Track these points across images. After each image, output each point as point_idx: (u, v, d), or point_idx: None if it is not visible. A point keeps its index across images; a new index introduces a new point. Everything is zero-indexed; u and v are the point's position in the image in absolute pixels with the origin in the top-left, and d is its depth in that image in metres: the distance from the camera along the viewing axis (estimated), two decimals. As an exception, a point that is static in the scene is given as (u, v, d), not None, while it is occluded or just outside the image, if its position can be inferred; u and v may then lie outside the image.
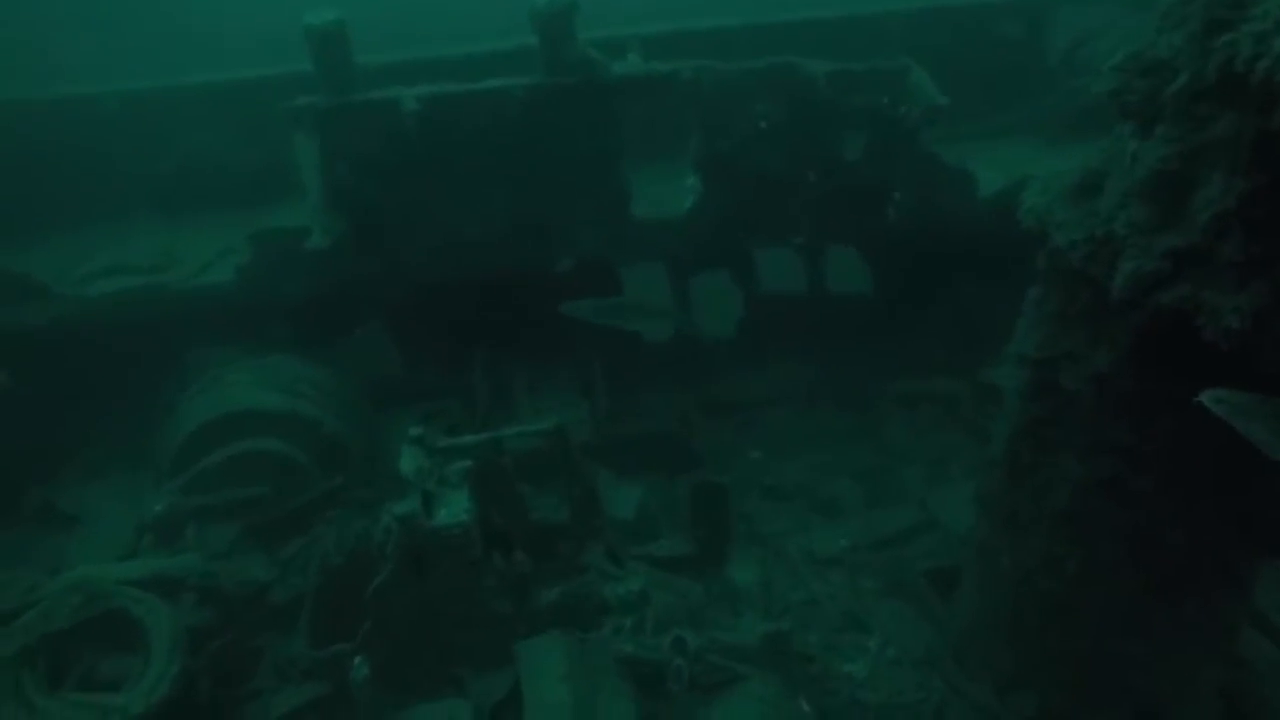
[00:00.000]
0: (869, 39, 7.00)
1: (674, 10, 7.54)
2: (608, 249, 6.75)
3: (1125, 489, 3.62)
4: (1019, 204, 3.66)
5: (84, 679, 4.42)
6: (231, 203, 7.07)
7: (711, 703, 4.50)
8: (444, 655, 4.91)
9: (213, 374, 6.10)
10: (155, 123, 7.00)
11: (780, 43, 6.66)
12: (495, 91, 6.09)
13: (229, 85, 7.15)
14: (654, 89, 6.25)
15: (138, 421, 6.37)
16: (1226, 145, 2.77)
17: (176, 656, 4.44)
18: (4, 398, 5.71)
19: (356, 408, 6.41)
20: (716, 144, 6.44)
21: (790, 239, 6.95)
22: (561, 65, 6.07)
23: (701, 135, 6.46)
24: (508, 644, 4.86)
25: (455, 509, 4.57)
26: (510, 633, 4.86)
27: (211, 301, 6.42)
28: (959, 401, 6.65)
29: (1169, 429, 3.41)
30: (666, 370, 7.32)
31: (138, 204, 7.12)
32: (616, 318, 5.90)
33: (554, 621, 4.88)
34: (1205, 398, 2.56)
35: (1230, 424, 2.52)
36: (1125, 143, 3.19)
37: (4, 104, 7.02)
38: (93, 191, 7.00)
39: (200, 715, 4.58)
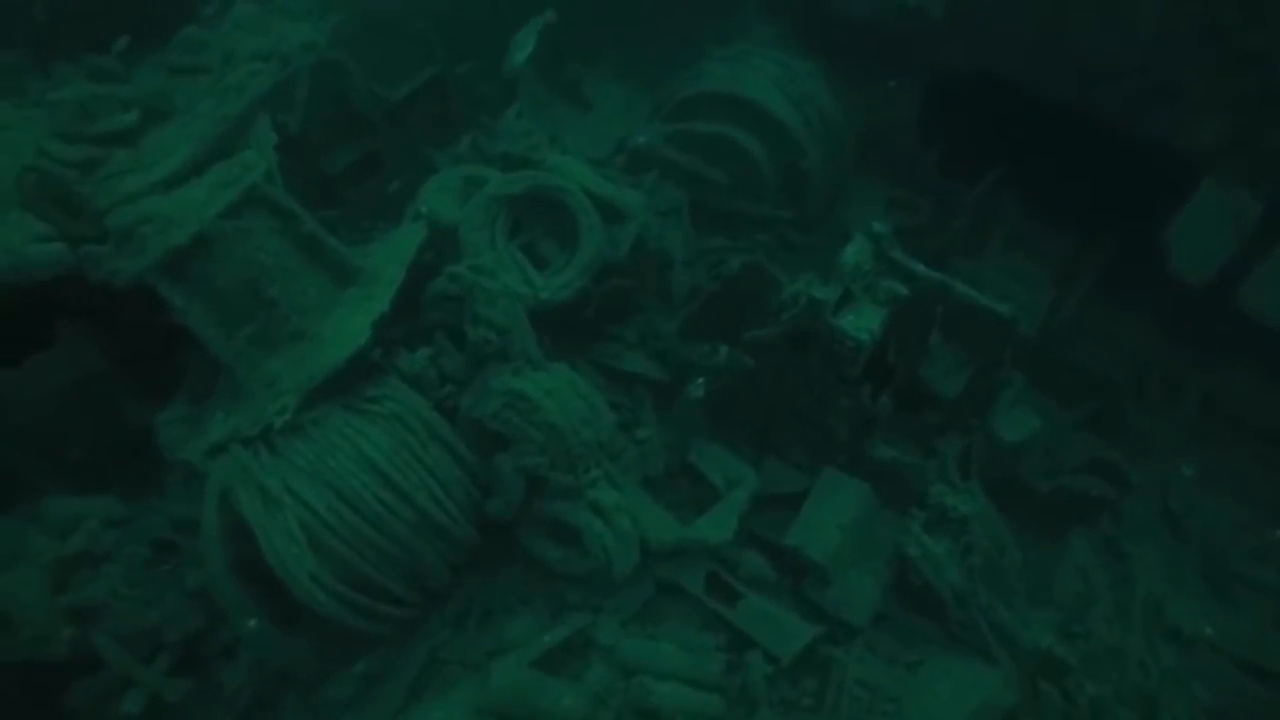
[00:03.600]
0: None
1: None
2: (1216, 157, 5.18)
3: None
4: None
5: (525, 245, 5.08)
6: None
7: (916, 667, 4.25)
8: (766, 423, 5.02)
9: (745, 48, 6.00)
10: None
11: None
12: None
13: None
14: None
15: (672, 50, 6.51)
16: None
17: (587, 274, 4.93)
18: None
19: (842, 154, 6.09)
20: None
21: None
22: None
23: None
24: (822, 460, 4.83)
25: (863, 324, 4.33)
26: (831, 454, 4.81)
27: None
28: None
29: None
30: (1170, 314, 5.91)
31: None
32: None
33: (871, 475, 4.72)
34: None
35: None
36: None
37: None
38: None
39: (573, 328, 5.15)
